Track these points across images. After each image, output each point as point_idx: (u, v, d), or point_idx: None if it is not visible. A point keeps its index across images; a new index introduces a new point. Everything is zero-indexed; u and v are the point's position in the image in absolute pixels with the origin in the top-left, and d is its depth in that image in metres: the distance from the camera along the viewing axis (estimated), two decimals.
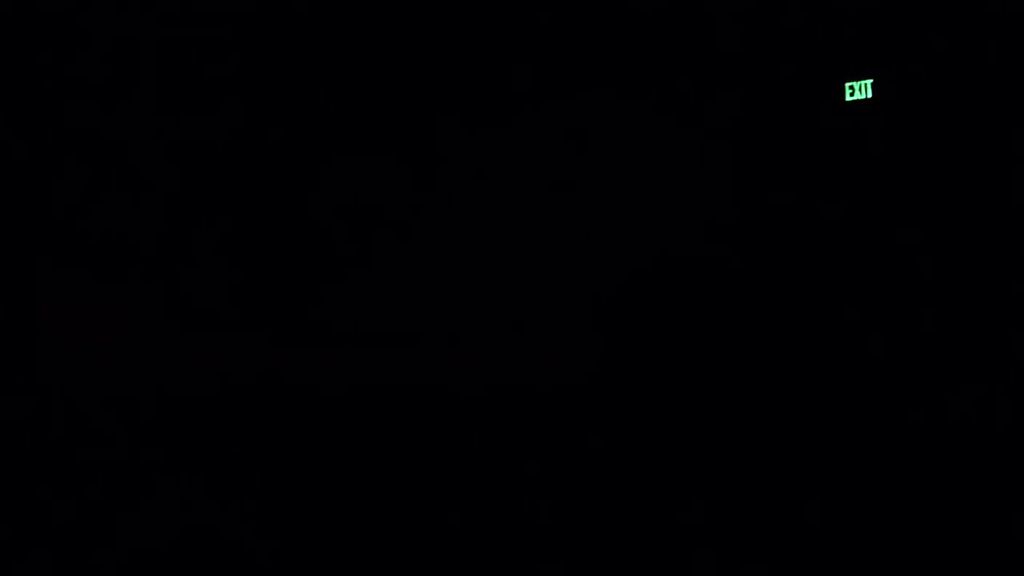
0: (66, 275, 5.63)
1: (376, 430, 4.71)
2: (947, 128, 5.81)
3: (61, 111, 5.36)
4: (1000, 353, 5.40)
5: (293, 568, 2.49)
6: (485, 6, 5.08)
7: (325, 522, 2.98)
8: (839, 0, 6.11)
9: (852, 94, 6.08)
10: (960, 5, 5.75)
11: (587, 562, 2.50)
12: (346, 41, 5.29)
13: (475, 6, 5.07)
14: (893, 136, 5.98)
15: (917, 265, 5.71)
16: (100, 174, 5.39)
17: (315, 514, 3.08)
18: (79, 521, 3.04)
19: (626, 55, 5.81)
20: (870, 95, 6.04)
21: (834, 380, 5.52)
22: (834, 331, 5.58)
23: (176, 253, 5.41)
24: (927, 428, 4.38)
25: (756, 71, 6.27)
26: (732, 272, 5.44)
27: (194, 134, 5.37)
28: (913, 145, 5.91)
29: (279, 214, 5.53)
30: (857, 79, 6.07)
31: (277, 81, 5.43)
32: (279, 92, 5.44)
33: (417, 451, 4.15)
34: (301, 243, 5.54)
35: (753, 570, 2.39)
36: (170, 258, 5.45)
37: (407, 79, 5.34)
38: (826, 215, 6.03)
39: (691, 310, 5.40)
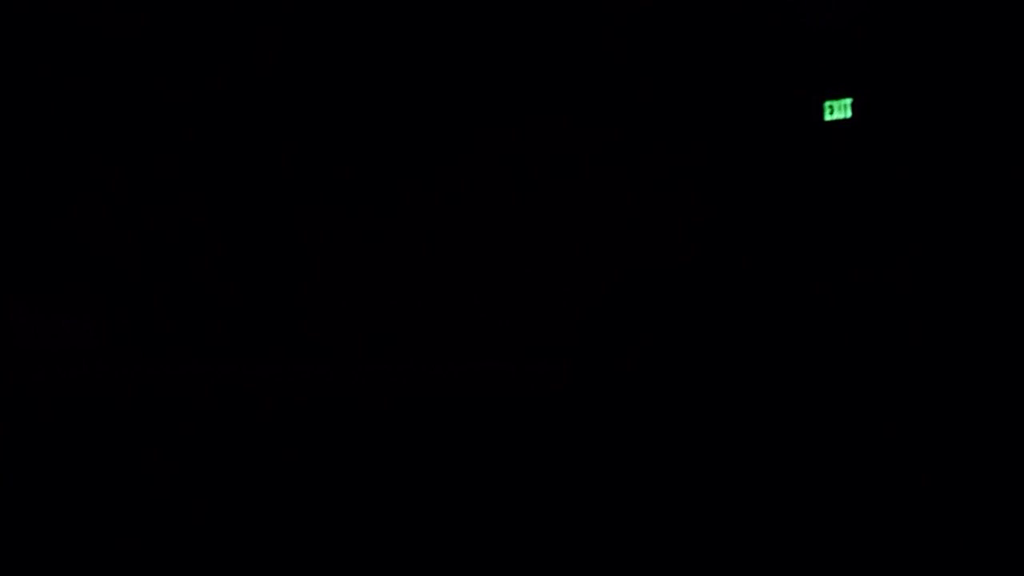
0: (35, 279, 5.39)
1: (356, 442, 4.63)
2: (932, 149, 5.60)
3: (29, 114, 5.16)
4: (978, 374, 5.24)
5: None
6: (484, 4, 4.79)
7: (301, 536, 2.91)
8: (817, 16, 5.82)
9: (831, 113, 5.79)
10: (945, 21, 5.55)
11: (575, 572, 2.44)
12: (331, 46, 5.15)
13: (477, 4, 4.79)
14: (874, 159, 5.72)
15: (901, 291, 5.48)
16: (71, 175, 5.18)
17: (291, 527, 3.01)
18: (49, 530, 2.99)
19: (599, 71, 5.61)
20: (849, 115, 5.76)
21: (814, 391, 5.35)
22: (812, 348, 5.39)
23: (151, 258, 5.20)
24: (903, 444, 4.28)
25: (731, 89, 5.92)
26: (709, 289, 5.27)
27: (172, 136, 5.19)
28: (896, 169, 5.66)
29: (256, 221, 5.31)
30: (836, 98, 5.79)
31: (254, 88, 5.26)
32: (257, 98, 5.28)
33: (398, 464, 4.08)
34: (277, 252, 5.33)
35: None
36: (144, 263, 5.24)
37: (393, 86, 5.17)
38: (805, 240, 5.72)
39: (673, 322, 5.27)
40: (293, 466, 4.11)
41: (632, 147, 5.75)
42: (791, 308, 5.47)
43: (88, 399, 5.90)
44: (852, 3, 5.68)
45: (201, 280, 5.40)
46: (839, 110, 5.78)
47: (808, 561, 2.44)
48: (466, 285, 5.48)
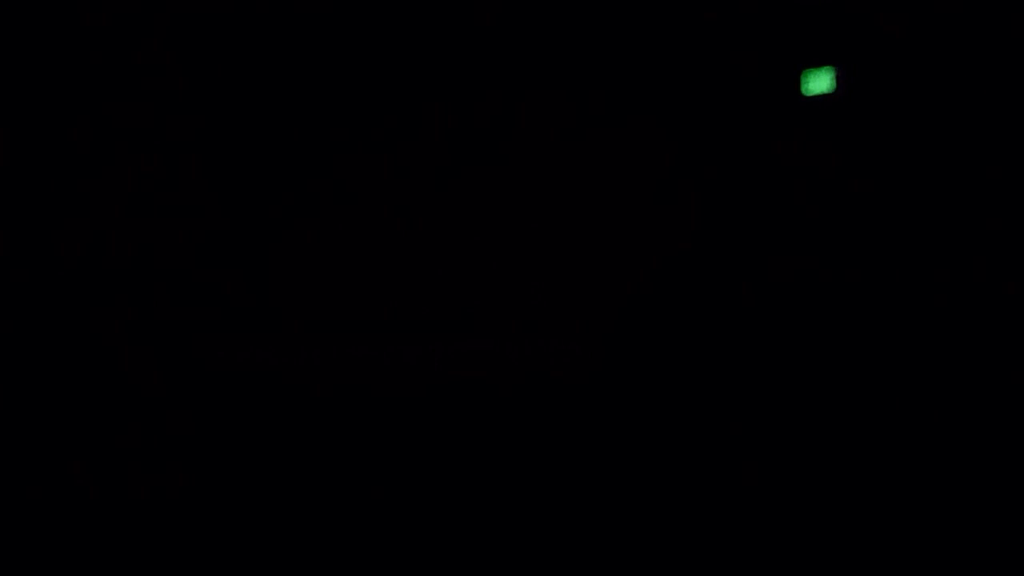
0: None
1: (364, 427, 4.41)
2: (921, 128, 4.77)
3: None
4: (970, 364, 4.79)
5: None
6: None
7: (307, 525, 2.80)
8: None
9: (810, 85, 4.77)
10: None
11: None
12: (325, 32, 5.05)
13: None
14: (859, 139, 4.82)
15: (889, 275, 4.78)
16: (66, 168, 4.79)
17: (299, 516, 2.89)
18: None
19: (577, 49, 5.05)
20: (832, 88, 4.77)
21: (807, 381, 4.94)
22: (803, 337, 4.96)
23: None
24: (900, 443, 4.19)
25: (702, 61, 4.81)
26: (697, 275, 4.90)
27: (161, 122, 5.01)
28: (883, 150, 4.80)
29: (248, 207, 5.09)
30: (815, 67, 4.77)
31: (241, 76, 5.11)
32: (247, 86, 5.13)
33: (404, 449, 3.98)
34: (274, 234, 5.14)
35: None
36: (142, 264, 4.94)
37: (396, 62, 5.01)
38: (793, 234, 4.82)
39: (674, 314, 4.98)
40: (306, 453, 4.01)
41: (590, 124, 4.90)
42: (781, 301, 4.77)
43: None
44: None
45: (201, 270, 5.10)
46: (818, 83, 4.78)
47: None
48: (475, 266, 5.29)
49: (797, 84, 4.78)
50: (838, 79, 4.76)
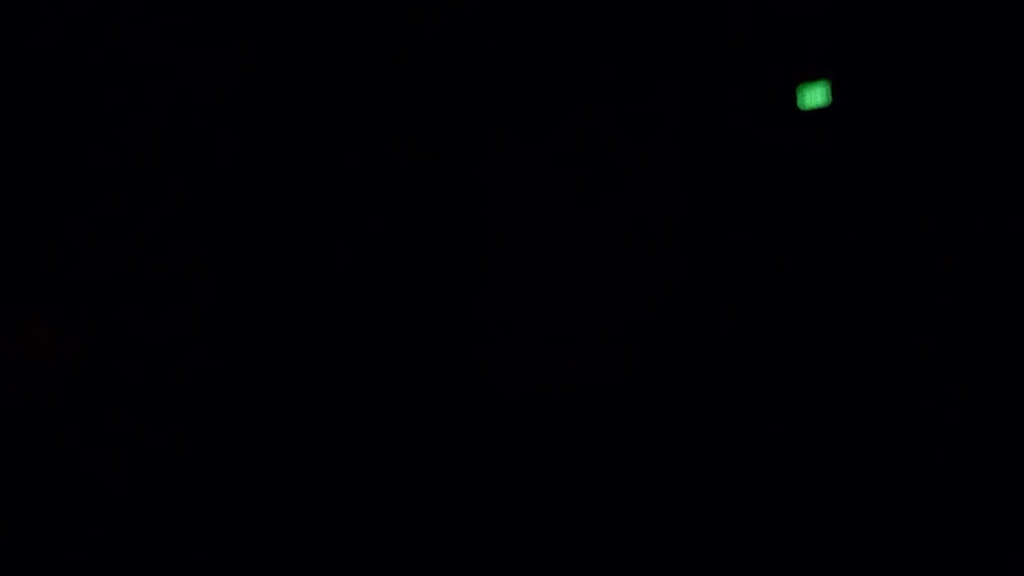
0: (10, 294, 5.01)
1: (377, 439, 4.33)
2: (917, 139, 4.74)
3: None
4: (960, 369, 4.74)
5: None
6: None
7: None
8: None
9: (805, 99, 4.76)
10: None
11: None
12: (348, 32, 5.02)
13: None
14: (856, 152, 4.80)
15: (886, 291, 4.74)
16: (44, 187, 4.92)
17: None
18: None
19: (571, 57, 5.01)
20: (828, 101, 4.76)
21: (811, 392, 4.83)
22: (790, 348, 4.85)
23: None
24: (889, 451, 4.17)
25: (696, 71, 4.82)
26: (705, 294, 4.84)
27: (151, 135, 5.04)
28: (880, 163, 4.78)
29: (242, 227, 5.04)
30: (811, 80, 4.76)
31: (248, 87, 5.07)
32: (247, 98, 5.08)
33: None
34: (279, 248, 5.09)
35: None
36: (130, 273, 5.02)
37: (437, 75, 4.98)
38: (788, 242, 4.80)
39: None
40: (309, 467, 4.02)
41: (595, 132, 4.96)
42: (772, 314, 4.76)
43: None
44: None
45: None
46: (814, 96, 4.77)
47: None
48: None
49: (793, 98, 4.77)
50: (834, 92, 4.74)
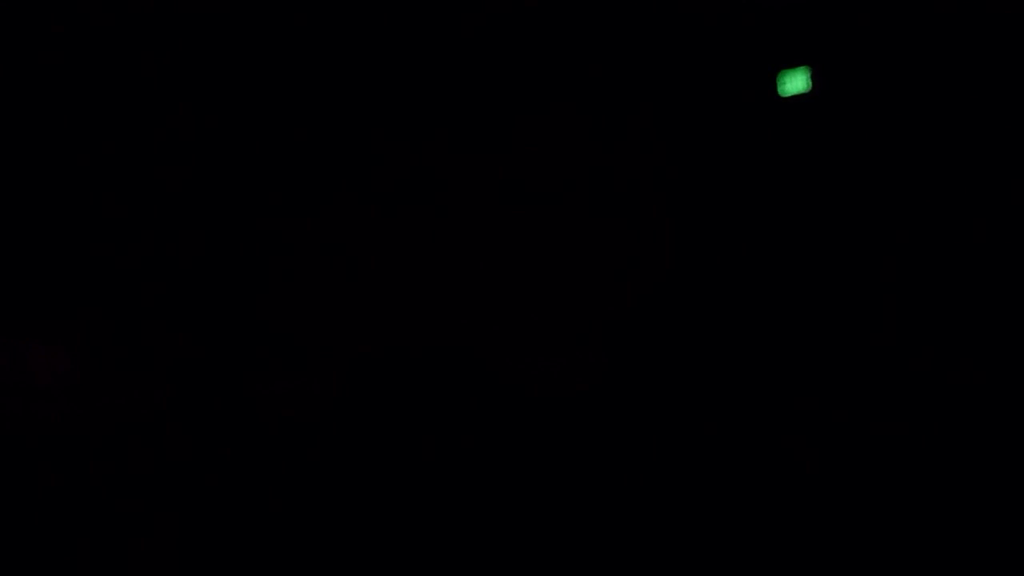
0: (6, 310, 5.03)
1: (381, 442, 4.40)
2: (902, 130, 4.78)
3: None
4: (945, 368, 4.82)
5: None
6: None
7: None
8: None
9: (786, 86, 4.80)
10: None
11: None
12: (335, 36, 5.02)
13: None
14: (837, 140, 4.85)
15: (868, 281, 4.81)
16: (42, 198, 4.87)
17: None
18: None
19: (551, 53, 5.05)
20: (808, 88, 4.80)
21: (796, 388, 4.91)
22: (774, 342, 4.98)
23: (126, 284, 4.92)
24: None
25: (672, 61, 4.84)
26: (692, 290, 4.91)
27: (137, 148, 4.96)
28: (862, 152, 4.83)
29: (228, 244, 5.00)
30: (791, 67, 4.79)
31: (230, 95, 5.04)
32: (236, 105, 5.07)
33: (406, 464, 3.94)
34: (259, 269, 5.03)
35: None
36: (120, 290, 4.94)
37: (397, 82, 5.00)
38: (772, 236, 4.87)
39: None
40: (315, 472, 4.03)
41: (577, 132, 5.04)
42: (757, 306, 4.82)
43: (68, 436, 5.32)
44: None
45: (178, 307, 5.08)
46: (794, 83, 4.80)
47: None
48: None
49: (773, 85, 4.81)
50: (813, 79, 4.78)
